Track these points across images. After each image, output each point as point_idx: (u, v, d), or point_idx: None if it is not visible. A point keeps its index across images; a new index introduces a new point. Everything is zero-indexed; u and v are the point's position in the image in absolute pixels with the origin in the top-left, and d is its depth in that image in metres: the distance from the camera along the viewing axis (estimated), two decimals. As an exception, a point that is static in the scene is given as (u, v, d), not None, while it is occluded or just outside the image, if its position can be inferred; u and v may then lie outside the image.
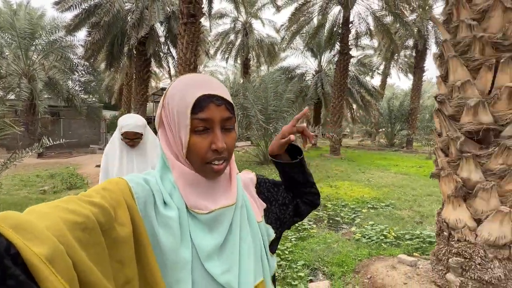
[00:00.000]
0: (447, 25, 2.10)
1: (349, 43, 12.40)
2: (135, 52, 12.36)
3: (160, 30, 13.07)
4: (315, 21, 13.84)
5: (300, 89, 16.83)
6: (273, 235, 0.62)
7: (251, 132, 10.25)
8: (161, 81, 27.39)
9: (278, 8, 11.98)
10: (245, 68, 19.19)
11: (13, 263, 0.26)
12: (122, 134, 1.59)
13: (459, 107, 1.94)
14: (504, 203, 1.77)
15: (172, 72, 14.76)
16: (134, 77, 13.08)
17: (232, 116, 0.51)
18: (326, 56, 17.23)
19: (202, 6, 7.98)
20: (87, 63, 13.13)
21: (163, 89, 16.08)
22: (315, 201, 0.74)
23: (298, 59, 37.03)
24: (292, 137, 0.64)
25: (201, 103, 0.48)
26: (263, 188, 0.68)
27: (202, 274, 0.48)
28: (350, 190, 6.02)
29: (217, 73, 28.88)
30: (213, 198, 0.52)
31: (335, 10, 12.67)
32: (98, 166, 8.53)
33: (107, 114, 17.31)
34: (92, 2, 11.10)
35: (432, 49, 16.44)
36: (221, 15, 17.82)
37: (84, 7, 10.97)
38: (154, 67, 16.15)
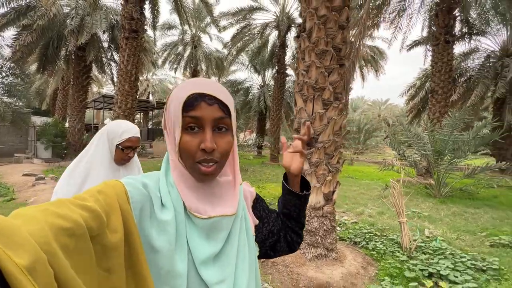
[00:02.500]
0: (296, 71, 3.28)
1: (286, 64, 14.18)
2: (73, 57, 11.97)
3: (104, 36, 12.90)
4: (259, 41, 15.43)
5: (245, 101, 18.20)
6: (257, 253, 0.62)
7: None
8: (104, 87, 25.93)
9: (220, 30, 13.06)
10: (194, 79, 19.74)
11: None
12: (120, 145, 1.18)
13: (299, 123, 3.09)
14: (319, 182, 2.92)
15: (116, 78, 14.52)
16: (72, 82, 12.56)
17: (226, 116, 0.50)
18: (269, 73, 19.03)
19: (145, 22, 8.51)
20: (14, 64, 12.12)
21: (106, 96, 15.53)
22: (294, 243, 0.71)
23: (246, 73, 39.07)
24: (283, 138, 0.70)
25: (192, 101, 0.48)
26: (259, 206, 0.67)
27: (196, 280, 0.47)
28: (274, 190, 7.16)
29: (167, 82, 28.63)
30: (213, 204, 0.51)
31: (276, 33, 14.35)
32: (26, 175, 8.08)
33: (37, 120, 15.85)
34: (23, 2, 10.52)
35: (358, 74, 19.59)
36: (170, 27, 18.24)
37: (13, 6, 10.33)
38: (96, 72, 15.58)
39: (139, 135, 1.23)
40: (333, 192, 2.98)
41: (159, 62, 19.44)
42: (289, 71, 14.75)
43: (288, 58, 14.78)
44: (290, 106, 18.03)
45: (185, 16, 12.00)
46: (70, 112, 12.56)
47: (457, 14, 9.51)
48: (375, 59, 18.59)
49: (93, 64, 13.05)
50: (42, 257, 0.28)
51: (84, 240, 0.35)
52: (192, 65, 18.99)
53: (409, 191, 6.79)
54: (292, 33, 13.42)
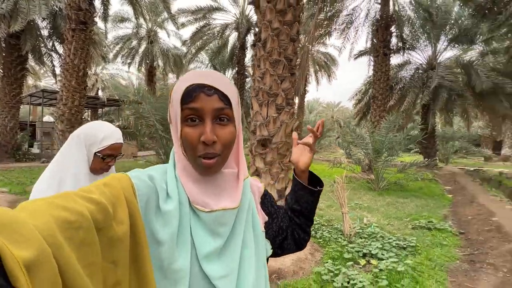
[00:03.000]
0: (252, 76, 3.53)
1: (245, 65, 14.49)
2: (4, 45, 10.47)
3: (43, 23, 11.54)
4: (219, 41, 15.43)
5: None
6: (270, 251, 0.60)
7: (156, 143, 10.45)
8: (42, 79, 23.01)
9: (178, 27, 12.76)
10: (150, 76, 18.86)
11: None
12: (100, 152, 1.02)
13: (255, 126, 3.35)
14: (273, 179, 3.22)
15: (58, 71, 13.07)
16: (3, 73, 10.97)
17: (226, 107, 0.49)
18: (229, 73, 19.13)
19: (95, 14, 7.92)
20: None
21: (46, 91, 13.87)
22: (302, 241, 0.69)
23: (208, 71, 38.31)
24: (294, 134, 0.68)
25: (191, 92, 0.47)
26: (267, 201, 0.65)
27: (199, 275, 0.47)
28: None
29: (119, 77, 26.64)
30: (216, 198, 0.50)
31: (236, 35, 14.57)
32: None
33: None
34: None
35: (312, 78, 20.91)
36: (123, 19, 17.06)
37: None
38: (32, 63, 13.79)
39: (122, 141, 1.07)
40: (286, 188, 3.30)
41: (110, 55, 18.05)
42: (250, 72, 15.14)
43: (248, 59, 15.13)
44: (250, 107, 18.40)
45: (140, 9, 11.43)
46: (0, 108, 10.96)
47: (393, 31, 10.92)
48: (328, 65, 20.08)
49: (29, 54, 11.58)
50: (46, 251, 0.28)
51: (90, 233, 0.35)
52: (148, 61, 18.07)
53: (354, 186, 7.65)
54: (252, 36, 13.82)
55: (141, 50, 18.52)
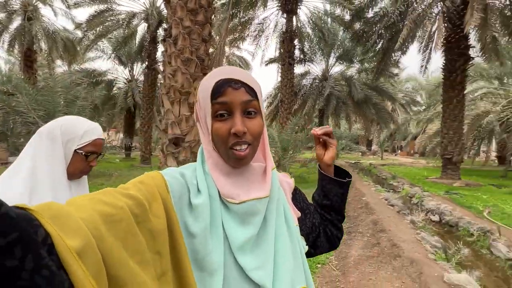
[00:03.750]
0: (163, 73, 3.39)
1: (157, 60, 13.47)
2: None
3: None
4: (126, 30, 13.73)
5: (109, 96, 15.73)
6: (306, 247, 0.59)
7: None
8: None
9: (69, 6, 10.73)
10: (28, 61, 14.93)
11: (48, 254, 0.27)
12: (82, 149, 0.88)
13: (166, 124, 3.23)
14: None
15: None
16: None
17: (253, 99, 0.51)
18: (138, 67, 17.35)
19: None
20: None
21: None
22: (335, 238, 0.68)
23: (108, 63, 33.59)
24: (313, 130, 0.67)
25: (219, 88, 0.49)
26: (299, 197, 0.66)
27: (233, 267, 0.47)
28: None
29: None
30: (246, 189, 0.51)
31: (145, 26, 13.29)
32: None
33: None
34: None
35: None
36: (-19, -18, 12.89)
37: None
38: None
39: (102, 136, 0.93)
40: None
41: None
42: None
43: (159, 54, 14.13)
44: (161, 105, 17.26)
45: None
46: None
47: (296, 44, 12.51)
48: (242, 68, 21.07)
49: None
50: (91, 241, 0.31)
51: (131, 225, 0.37)
52: (23, 42, 14.24)
53: (266, 181, 8.38)
54: (163, 31, 12.98)
55: (12, 27, 14.48)
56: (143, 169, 11.40)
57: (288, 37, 11.59)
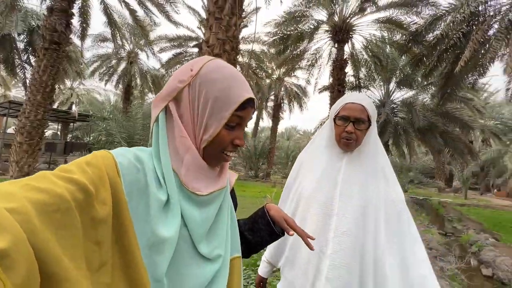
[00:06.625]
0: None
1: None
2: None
3: (20, 37, 11.80)
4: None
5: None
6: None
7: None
8: (12, 89, 22.46)
9: (154, 53, 13.56)
10: (127, 94, 19.18)
11: None
12: None
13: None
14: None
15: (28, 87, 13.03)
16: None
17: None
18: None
19: (71, 35, 8.42)
20: None
21: (13, 102, 13.67)
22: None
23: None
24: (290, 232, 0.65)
25: (244, 104, 0.53)
26: (233, 195, 0.70)
27: (191, 251, 0.50)
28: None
29: (95, 93, 26.56)
30: (211, 181, 0.55)
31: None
32: None
33: None
34: None
35: (285, 103, 22.26)
36: (104, 39, 17.65)
37: None
38: (3, 73, 13.70)
39: None
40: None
41: (88, 71, 18.34)
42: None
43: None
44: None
45: (118, 34, 12.10)
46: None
47: (347, 71, 12.39)
48: (299, 96, 21.63)
49: (1, 65, 11.64)
50: (21, 237, 0.27)
51: (70, 215, 0.34)
52: (125, 80, 18.50)
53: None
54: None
55: (120, 69, 19.00)
56: None
57: (338, 65, 11.65)
